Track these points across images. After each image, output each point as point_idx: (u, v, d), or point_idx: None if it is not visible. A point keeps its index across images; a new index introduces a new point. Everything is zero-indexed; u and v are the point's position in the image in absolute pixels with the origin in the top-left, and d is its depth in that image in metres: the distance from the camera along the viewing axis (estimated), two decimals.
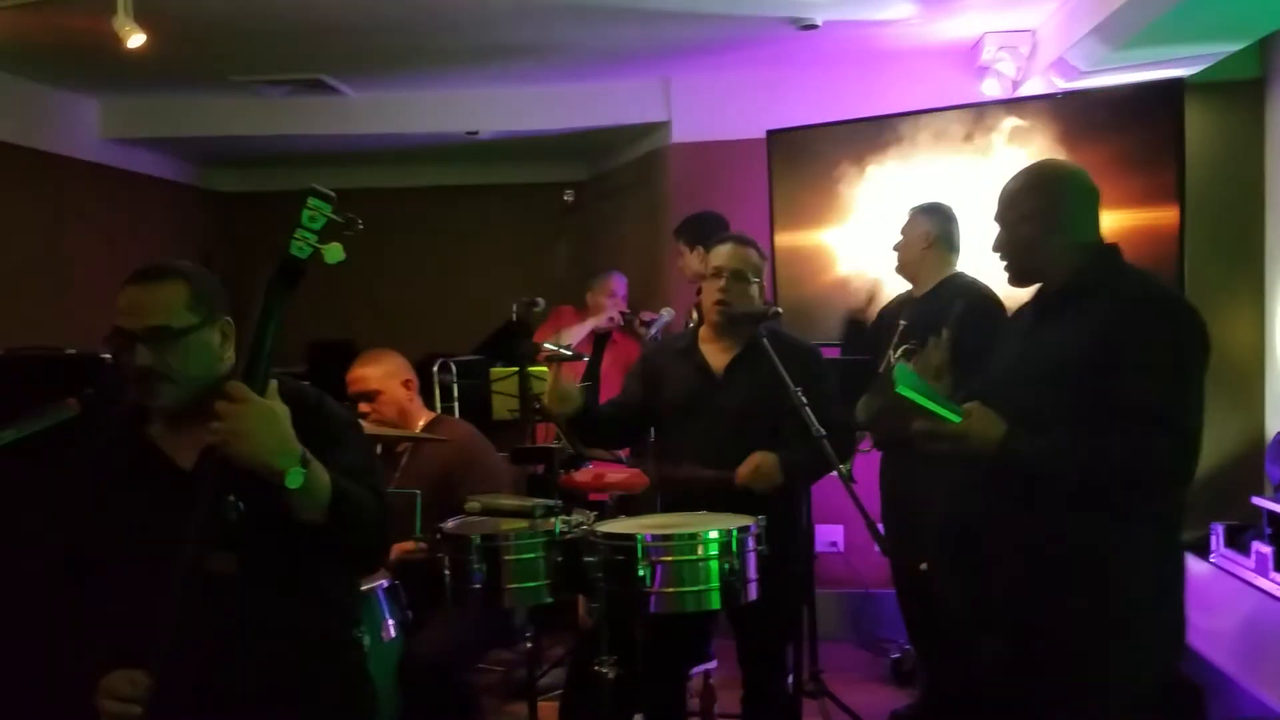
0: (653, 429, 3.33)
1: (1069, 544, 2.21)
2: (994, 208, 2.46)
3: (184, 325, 1.94)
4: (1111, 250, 2.37)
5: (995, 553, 2.36)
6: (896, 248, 3.88)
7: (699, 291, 4.30)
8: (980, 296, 3.53)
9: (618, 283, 5.32)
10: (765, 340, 2.95)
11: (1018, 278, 2.46)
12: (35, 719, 3.42)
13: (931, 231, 3.78)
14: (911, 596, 4.00)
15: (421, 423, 3.69)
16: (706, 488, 2.96)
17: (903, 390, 2.21)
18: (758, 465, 2.94)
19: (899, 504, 3.86)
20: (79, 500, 2.08)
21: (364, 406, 3.60)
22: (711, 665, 3.67)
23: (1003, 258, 2.45)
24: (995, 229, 2.45)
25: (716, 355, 3.16)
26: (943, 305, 3.60)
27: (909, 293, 3.92)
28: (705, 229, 4.46)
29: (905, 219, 3.88)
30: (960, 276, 3.82)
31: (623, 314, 4.94)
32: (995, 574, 2.37)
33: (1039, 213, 2.34)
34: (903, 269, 3.88)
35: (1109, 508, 2.19)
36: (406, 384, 3.66)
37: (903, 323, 3.72)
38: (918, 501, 3.71)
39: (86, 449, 2.09)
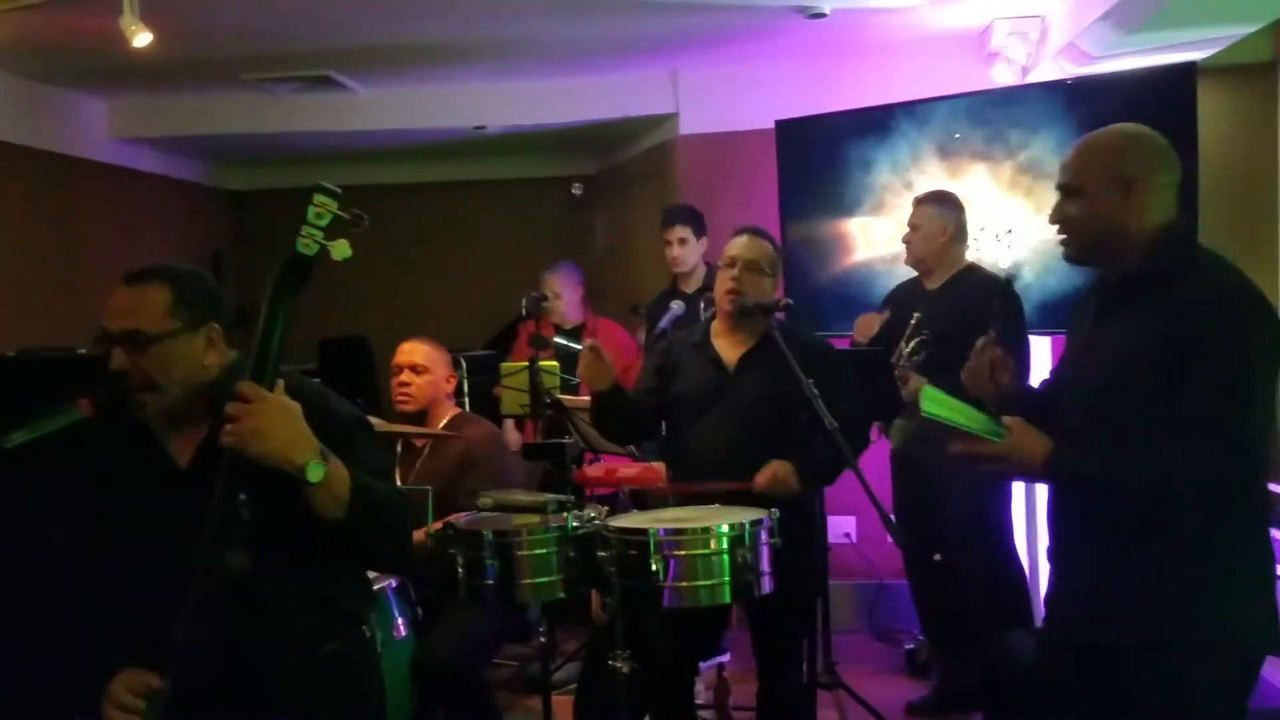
0: (664, 425, 3.31)
1: (1142, 563, 2.05)
2: (1065, 170, 2.19)
3: (160, 331, 1.91)
4: (1187, 235, 2.16)
5: (1064, 572, 2.22)
6: (911, 240, 3.84)
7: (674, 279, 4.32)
8: (1011, 293, 3.40)
9: (551, 282, 5.06)
10: (777, 333, 2.95)
11: (1083, 256, 2.21)
12: (49, 711, 3.44)
13: (950, 224, 3.76)
14: (925, 587, 4.00)
15: (446, 419, 3.70)
16: (738, 463, 2.94)
17: (930, 411, 2.08)
18: (775, 473, 2.92)
19: (912, 495, 3.85)
20: (81, 499, 2.08)
21: (405, 377, 3.64)
22: (724, 658, 3.67)
23: (1068, 231, 2.19)
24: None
25: (729, 349, 3.15)
26: (965, 300, 3.57)
27: (917, 282, 3.89)
28: (703, 220, 4.45)
29: (917, 210, 3.84)
30: (977, 270, 3.80)
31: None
32: (1063, 593, 2.24)
33: (1139, 181, 2.10)
34: (920, 262, 3.84)
35: (1175, 523, 2.02)
36: (449, 378, 3.74)
37: (917, 314, 3.70)
38: (931, 492, 3.71)
39: (89, 448, 2.08)
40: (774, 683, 3.15)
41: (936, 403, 2.09)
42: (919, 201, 3.88)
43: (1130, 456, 2.02)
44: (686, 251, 4.53)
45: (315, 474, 1.76)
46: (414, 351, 3.68)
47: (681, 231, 4.55)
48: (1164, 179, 2.13)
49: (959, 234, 3.80)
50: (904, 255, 3.93)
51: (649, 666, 2.86)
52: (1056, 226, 2.21)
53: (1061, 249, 2.24)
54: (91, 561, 2.04)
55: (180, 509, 1.80)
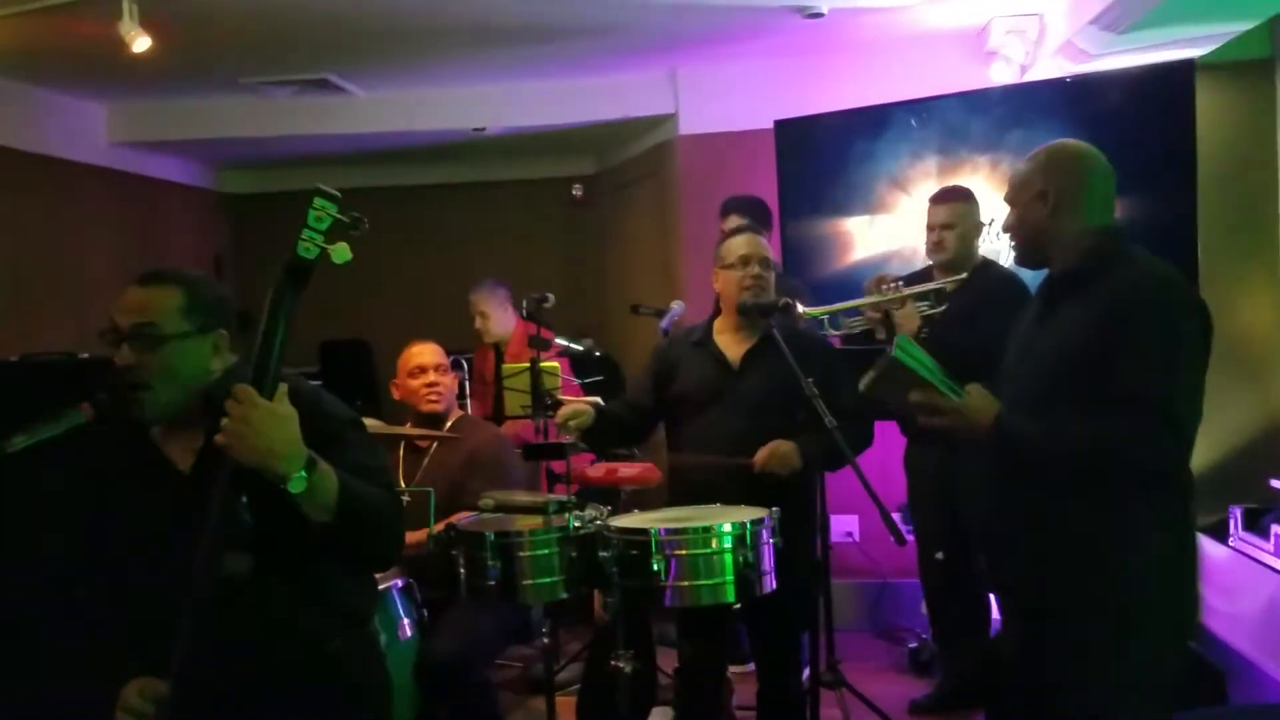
0: (662, 423, 3.32)
1: (1071, 529, 2.22)
2: (1005, 188, 2.45)
3: (171, 331, 1.92)
4: (1118, 234, 2.35)
5: (1007, 538, 2.37)
6: (943, 240, 3.72)
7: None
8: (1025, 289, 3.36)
9: (478, 301, 5.09)
10: (776, 331, 2.97)
11: (1026, 259, 2.46)
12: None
13: (978, 221, 3.75)
14: (933, 585, 3.99)
15: (451, 421, 3.72)
16: (723, 475, 2.96)
17: (900, 355, 2.21)
18: (774, 450, 2.94)
19: (925, 492, 3.85)
20: (84, 503, 2.08)
21: (434, 376, 3.68)
22: (749, 668, 3.64)
23: (1012, 238, 2.44)
24: (1004, 209, 2.44)
25: (733, 346, 3.17)
26: (984, 293, 3.55)
27: (929, 272, 3.80)
28: (765, 215, 4.38)
29: (948, 208, 3.72)
30: (994, 265, 3.78)
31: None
32: (1009, 560, 2.39)
33: (1052, 194, 2.32)
34: (955, 258, 3.70)
35: (1103, 491, 2.19)
36: (456, 379, 3.81)
37: (943, 308, 3.64)
38: (944, 490, 3.69)
39: (91, 451, 2.09)
40: (775, 682, 3.15)
41: (907, 352, 2.23)
42: (944, 199, 3.76)
43: (1066, 421, 2.19)
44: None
45: (297, 485, 1.75)
46: (436, 352, 3.75)
47: (735, 222, 4.39)
48: (1092, 188, 2.34)
49: (980, 230, 3.79)
50: (929, 240, 3.79)
51: (651, 666, 2.87)
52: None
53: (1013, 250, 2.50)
54: (94, 566, 2.05)
55: (183, 512, 1.81)
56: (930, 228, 3.78)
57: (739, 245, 3.18)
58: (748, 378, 3.11)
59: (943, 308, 3.63)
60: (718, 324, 3.24)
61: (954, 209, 3.73)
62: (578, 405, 3.18)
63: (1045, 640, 2.27)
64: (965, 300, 3.62)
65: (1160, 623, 2.20)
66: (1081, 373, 2.19)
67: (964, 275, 3.66)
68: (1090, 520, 2.20)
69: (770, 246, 3.24)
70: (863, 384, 2.32)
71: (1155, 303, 2.18)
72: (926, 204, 3.86)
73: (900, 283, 3.68)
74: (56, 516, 2.78)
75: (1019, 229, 2.41)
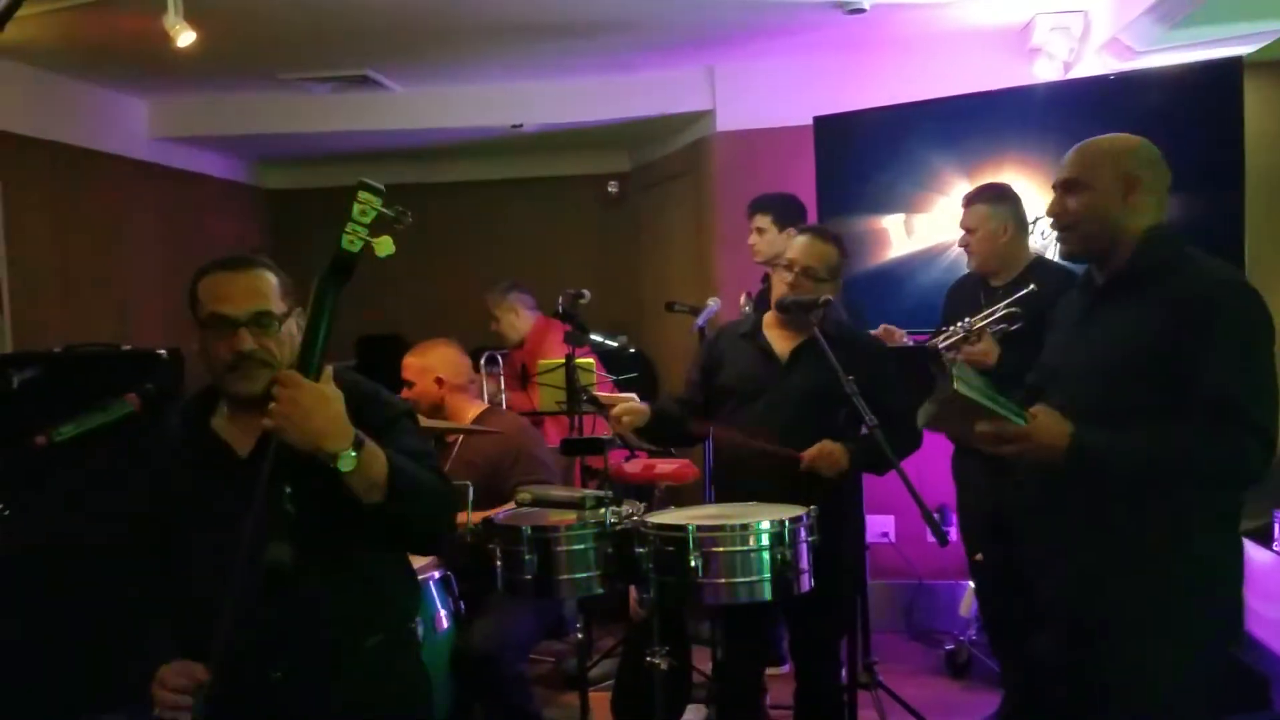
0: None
1: (1119, 528, 2.16)
2: (1069, 165, 2.31)
3: (282, 311, 2.00)
4: (1176, 235, 2.28)
5: (1054, 541, 2.32)
6: (968, 244, 3.65)
7: (765, 277, 4.27)
8: None
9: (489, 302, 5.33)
10: (819, 330, 2.97)
11: (1079, 252, 2.33)
12: (98, 699, 3.49)
13: (1007, 220, 3.58)
14: (991, 597, 3.84)
15: (471, 415, 3.71)
16: (765, 466, 2.95)
17: (960, 387, 2.10)
18: (823, 449, 2.94)
19: (973, 496, 3.74)
20: (146, 489, 2.11)
21: (404, 393, 3.68)
22: (784, 670, 3.62)
23: (1063, 228, 2.32)
24: (1051, 195, 2.32)
25: (781, 341, 3.17)
26: (1046, 298, 3.42)
27: (977, 277, 3.69)
28: (796, 211, 4.34)
29: (969, 212, 3.65)
30: (1047, 261, 3.65)
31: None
32: (1054, 565, 2.34)
33: (1130, 181, 2.23)
34: (985, 264, 3.63)
35: (1159, 493, 2.12)
36: (437, 381, 3.70)
37: (1008, 307, 3.45)
38: (991, 493, 3.59)
39: (154, 439, 2.12)
40: (811, 682, 3.14)
41: (966, 383, 2.14)
42: (969, 201, 3.69)
43: (1148, 436, 2.10)
44: (762, 241, 4.29)
45: (346, 464, 1.78)
46: (404, 368, 3.76)
47: (760, 221, 4.29)
48: (1158, 184, 2.28)
49: (1019, 227, 3.61)
50: (959, 243, 3.73)
51: (686, 663, 2.86)
52: (1053, 221, 2.34)
53: (1060, 245, 2.38)
54: (148, 554, 2.07)
55: (242, 498, 1.82)
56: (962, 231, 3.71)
57: (789, 247, 3.21)
58: (795, 374, 3.11)
59: (1018, 325, 3.42)
60: (767, 318, 3.25)
61: (974, 213, 3.64)
62: (634, 404, 3.18)
63: (1088, 647, 2.23)
64: (1031, 312, 3.35)
65: (1204, 627, 2.15)
66: (1148, 380, 2.11)
67: (1025, 287, 3.44)
68: (1138, 520, 2.14)
69: (836, 251, 3.18)
70: (921, 418, 2.25)
71: (1232, 306, 2.10)
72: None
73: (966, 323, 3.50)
74: (109, 504, 2.81)
75: (1088, 215, 2.26)
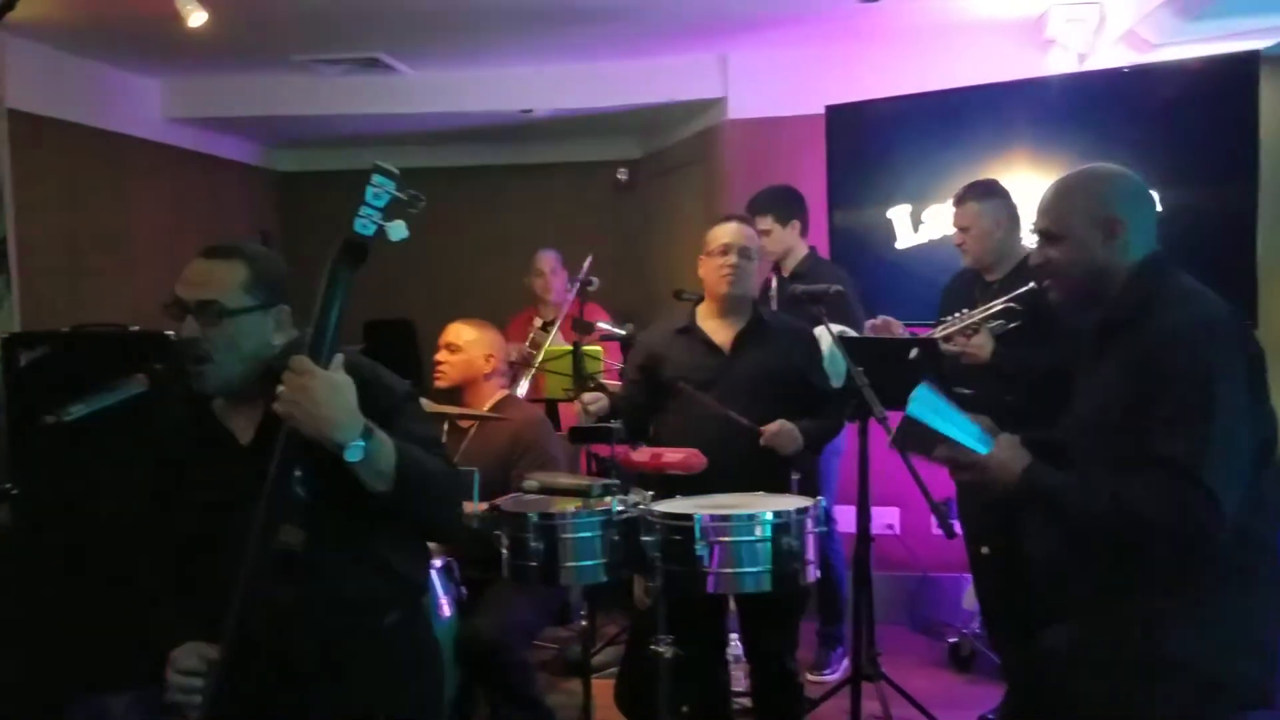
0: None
1: (1098, 578, 2.13)
2: (1044, 215, 2.20)
3: (236, 306, 1.95)
4: (1159, 267, 2.14)
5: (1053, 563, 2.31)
6: (963, 243, 3.66)
7: (775, 268, 4.28)
8: None
9: (544, 260, 5.46)
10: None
11: (1069, 300, 2.22)
12: (106, 681, 3.51)
13: (1001, 216, 3.59)
14: (988, 589, 3.85)
15: (491, 401, 3.72)
16: (730, 444, 3.06)
17: (916, 410, 2.10)
18: (783, 427, 3.10)
19: (973, 490, 3.72)
20: (144, 474, 2.11)
21: (440, 356, 3.71)
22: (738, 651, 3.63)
23: (1048, 276, 2.21)
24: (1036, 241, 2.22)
25: (720, 330, 3.27)
26: (1034, 292, 3.43)
27: (973, 273, 3.71)
28: (794, 202, 4.34)
29: (961, 211, 3.65)
30: None
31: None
32: (1055, 582, 2.31)
33: (1098, 231, 2.12)
34: (979, 260, 3.64)
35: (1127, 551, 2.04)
36: (488, 358, 3.73)
37: (1006, 304, 3.46)
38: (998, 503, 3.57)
39: (154, 422, 2.12)
40: (766, 667, 3.22)
41: (923, 405, 2.12)
42: (960, 199, 3.67)
43: (1095, 480, 2.04)
44: (769, 242, 4.28)
45: (354, 454, 1.77)
46: (452, 331, 3.77)
47: (762, 223, 4.23)
48: (1141, 217, 2.15)
49: (1011, 222, 3.63)
50: (953, 241, 3.74)
51: (691, 651, 2.86)
52: (1038, 269, 2.26)
53: (1049, 294, 2.26)
54: (154, 536, 2.08)
55: (244, 484, 1.82)
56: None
57: (721, 234, 3.28)
58: (739, 361, 3.23)
59: (1016, 323, 3.43)
60: (701, 310, 3.34)
61: (966, 211, 3.64)
62: (598, 394, 3.46)
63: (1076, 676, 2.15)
64: (1029, 308, 3.40)
65: (1190, 690, 2.01)
66: (1126, 434, 2.02)
67: (1019, 281, 3.44)
68: (1117, 572, 2.07)
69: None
70: (889, 441, 2.27)
71: (1175, 362, 1.98)
72: None
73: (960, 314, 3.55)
74: (117, 485, 2.82)
75: (1070, 266, 2.16)
